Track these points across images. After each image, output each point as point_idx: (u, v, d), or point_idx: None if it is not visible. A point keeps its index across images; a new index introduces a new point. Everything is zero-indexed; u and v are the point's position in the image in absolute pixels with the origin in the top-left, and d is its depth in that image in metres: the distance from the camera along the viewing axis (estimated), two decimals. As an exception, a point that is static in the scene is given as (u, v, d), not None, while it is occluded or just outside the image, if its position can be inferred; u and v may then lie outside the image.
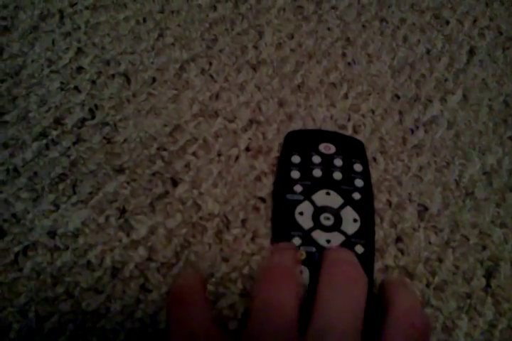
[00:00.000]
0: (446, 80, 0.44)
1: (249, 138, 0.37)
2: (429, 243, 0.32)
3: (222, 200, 0.32)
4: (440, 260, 0.32)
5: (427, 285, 0.30)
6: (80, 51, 0.40)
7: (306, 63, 0.43)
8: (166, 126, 0.36)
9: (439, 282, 0.31)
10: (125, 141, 0.34)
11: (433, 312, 0.29)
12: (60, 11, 0.43)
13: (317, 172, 0.32)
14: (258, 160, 0.35)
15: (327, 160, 0.33)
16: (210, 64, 0.42)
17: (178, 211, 0.31)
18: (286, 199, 0.30)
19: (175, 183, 0.33)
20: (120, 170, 0.32)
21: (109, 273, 0.28)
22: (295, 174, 0.32)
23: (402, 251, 0.32)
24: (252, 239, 0.31)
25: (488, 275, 0.32)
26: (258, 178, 0.34)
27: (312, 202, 0.30)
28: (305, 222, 0.29)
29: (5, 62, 0.38)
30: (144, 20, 0.44)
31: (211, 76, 0.41)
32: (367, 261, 0.28)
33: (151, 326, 0.27)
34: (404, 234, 0.33)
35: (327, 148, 0.34)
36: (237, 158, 0.35)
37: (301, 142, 0.34)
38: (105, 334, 0.26)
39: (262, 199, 0.33)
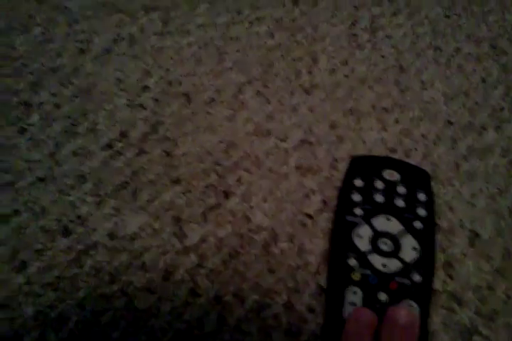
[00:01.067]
0: (501, 109, 0.43)
1: (300, 157, 0.38)
2: (480, 270, 0.32)
3: (271, 214, 0.33)
4: (491, 288, 0.31)
5: (476, 313, 0.30)
6: (146, 72, 0.43)
7: (358, 88, 0.44)
8: (221, 142, 0.38)
9: (490, 311, 0.30)
10: (183, 154, 0.36)
11: None
12: (131, 35, 0.47)
13: (379, 198, 0.32)
14: (307, 178, 0.36)
15: (390, 187, 0.33)
16: (266, 87, 0.44)
17: (228, 222, 0.32)
18: (346, 221, 0.31)
19: (227, 196, 0.34)
20: (177, 181, 0.34)
21: (161, 275, 0.30)
22: (357, 197, 0.32)
23: (450, 277, 0.31)
24: (298, 253, 0.31)
25: (543, 306, 0.30)
26: (306, 195, 0.35)
27: (371, 226, 0.30)
28: (363, 244, 0.30)
29: (79, 80, 0.41)
30: (206, 45, 0.46)
31: (266, 98, 0.43)
32: (423, 292, 0.28)
33: (197, 328, 0.28)
34: (454, 259, 0.32)
35: (391, 175, 0.34)
36: (286, 175, 0.36)
37: (365, 167, 0.34)
38: (154, 333, 0.27)
39: (309, 216, 0.34)
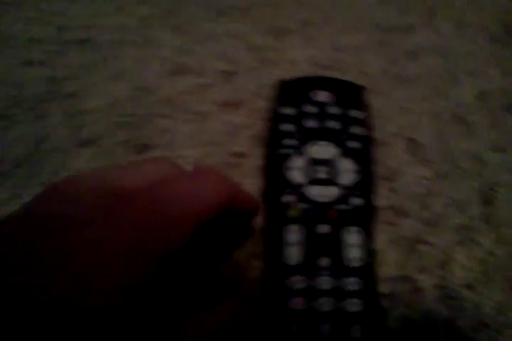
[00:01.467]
0: (434, 7, 0.40)
1: (222, 92, 0.35)
2: (421, 177, 0.31)
3: (200, 160, 0.31)
4: (433, 194, 0.30)
5: (420, 222, 0.29)
6: (36, 21, 0.38)
7: (279, 2, 0.40)
8: (132, 89, 0.34)
9: (433, 217, 0.29)
10: (91, 110, 0.33)
11: (428, 249, 0.28)
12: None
13: (311, 123, 0.29)
14: (233, 113, 0.34)
15: (322, 109, 0.30)
16: (175, 17, 0.39)
17: (153, 178, 0.30)
18: (277, 154, 0.28)
19: (148, 149, 0.31)
20: (88, 143, 0.31)
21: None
22: (287, 126, 0.29)
23: (392, 190, 0.30)
24: (234, 196, 0.30)
25: (485, 202, 0.30)
26: (235, 133, 0.33)
27: (305, 155, 0.28)
28: (297, 177, 0.27)
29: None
30: None
31: (177, 30, 0.39)
32: (365, 214, 0.27)
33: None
34: (394, 171, 0.31)
35: (322, 95, 0.30)
36: (211, 114, 0.33)
37: (293, 91, 0.31)
38: None
39: (241, 155, 0.32)
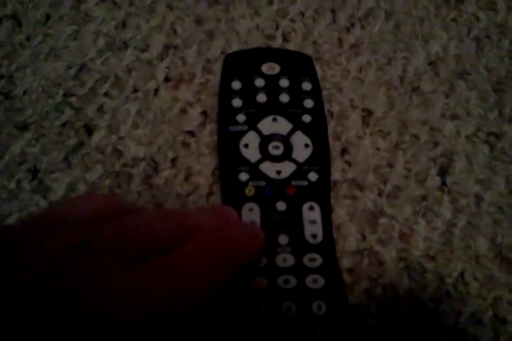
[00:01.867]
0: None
1: (167, 67, 0.33)
2: (377, 149, 0.30)
3: (146, 142, 0.29)
4: (390, 165, 0.30)
5: (379, 195, 0.29)
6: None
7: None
8: (69, 68, 0.32)
9: (392, 189, 0.29)
10: (25, 92, 0.30)
11: (388, 222, 0.28)
12: None
13: (261, 97, 0.28)
14: (180, 90, 0.32)
15: (271, 82, 0.29)
16: (111, -12, 0.36)
17: (97, 161, 0.28)
18: (229, 132, 0.27)
19: (90, 131, 0.29)
20: (25, 127, 0.29)
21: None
22: (237, 102, 0.28)
23: (349, 163, 0.30)
24: (186, 178, 0.28)
25: (443, 172, 0.30)
26: (183, 110, 0.31)
27: (258, 132, 0.27)
28: (251, 154, 0.26)
29: None
30: None
31: (113, 2, 0.36)
32: (322, 189, 0.26)
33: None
34: (350, 144, 0.30)
35: (271, 68, 0.29)
36: (156, 91, 0.31)
37: (240, 65, 0.29)
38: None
39: (191, 133, 0.30)
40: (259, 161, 0.26)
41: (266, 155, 0.26)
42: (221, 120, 0.28)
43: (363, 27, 0.36)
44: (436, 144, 0.31)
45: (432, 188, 0.29)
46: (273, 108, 0.28)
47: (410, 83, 0.33)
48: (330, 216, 0.26)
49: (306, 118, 0.28)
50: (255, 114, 0.28)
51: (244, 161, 0.26)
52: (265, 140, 0.27)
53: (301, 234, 0.25)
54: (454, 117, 0.32)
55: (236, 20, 0.36)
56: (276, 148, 0.27)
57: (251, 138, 0.27)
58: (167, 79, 0.32)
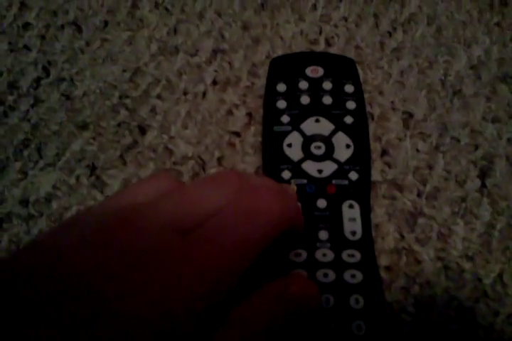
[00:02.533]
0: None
1: (215, 71, 0.34)
2: (417, 151, 0.31)
3: (195, 141, 0.31)
4: (430, 167, 0.30)
5: (418, 195, 0.29)
6: (23, 6, 0.38)
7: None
8: (124, 71, 0.34)
9: (431, 190, 0.30)
10: (84, 94, 0.33)
11: (427, 222, 0.28)
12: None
13: (305, 99, 0.29)
14: (227, 92, 0.33)
15: (315, 85, 0.30)
16: (162, -4, 0.38)
17: (150, 159, 0.30)
18: (274, 132, 0.29)
19: (143, 131, 0.31)
20: (84, 126, 0.31)
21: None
22: (281, 104, 0.29)
23: (389, 165, 0.30)
24: (231, 175, 0.30)
25: (483, 175, 0.30)
26: (229, 112, 0.33)
27: (301, 132, 0.28)
28: (294, 153, 0.28)
29: None
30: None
31: (166, 9, 0.38)
32: (362, 188, 0.27)
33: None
34: (390, 145, 0.31)
35: (314, 71, 0.31)
36: (204, 94, 0.33)
37: (285, 68, 0.31)
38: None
39: (237, 134, 0.32)
40: (302, 160, 0.28)
41: (308, 155, 0.28)
42: (266, 121, 0.30)
43: (404, 31, 0.36)
44: (476, 147, 0.31)
45: (471, 190, 0.30)
46: (316, 109, 0.29)
47: (452, 86, 0.33)
48: (369, 214, 0.27)
49: (348, 119, 0.29)
50: (299, 115, 0.29)
51: (287, 160, 0.28)
52: (308, 140, 0.28)
53: (340, 230, 0.26)
54: (495, 120, 0.32)
55: (281, 25, 0.37)
56: (318, 148, 0.28)
57: (294, 138, 0.28)
58: (215, 82, 0.34)
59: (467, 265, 0.27)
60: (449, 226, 0.28)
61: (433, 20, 0.36)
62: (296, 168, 0.27)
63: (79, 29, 0.37)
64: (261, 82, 0.34)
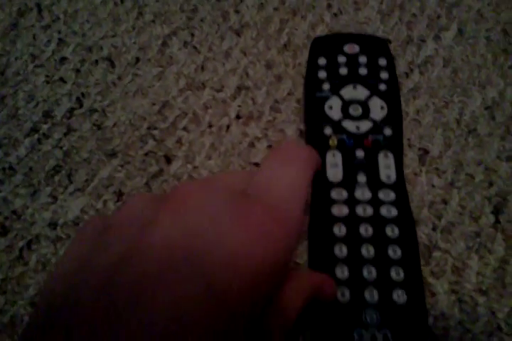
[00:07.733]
0: (438, 17, 0.42)
1: (239, 106, 0.36)
2: (433, 186, 0.32)
3: (217, 171, 0.32)
4: (445, 202, 0.31)
5: (433, 229, 0.30)
6: (61, 42, 0.41)
7: (290, 20, 0.42)
8: (154, 104, 0.36)
9: (446, 224, 0.30)
10: (115, 124, 0.35)
11: (442, 256, 0.29)
12: (38, 5, 0.43)
13: (343, 71, 0.33)
14: (250, 126, 0.35)
15: (352, 59, 0.34)
16: (192, 35, 0.41)
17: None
18: (316, 97, 0.32)
19: (168, 160, 0.33)
20: (113, 154, 0.33)
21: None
22: (322, 74, 0.33)
23: (404, 198, 0.31)
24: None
25: (497, 211, 0.31)
26: (251, 144, 0.34)
27: (340, 97, 0.32)
28: (335, 114, 0.31)
29: (-11, 65, 0.38)
30: (122, 0, 0.43)
31: (194, 47, 0.40)
32: (396, 141, 0.30)
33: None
34: (406, 180, 0.32)
35: (351, 48, 0.34)
36: (228, 127, 0.35)
37: (326, 45, 0.35)
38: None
39: (258, 165, 0.33)
40: (341, 119, 0.31)
41: (347, 115, 0.31)
42: (308, 88, 0.33)
43: (421, 73, 0.38)
44: (491, 184, 0.32)
45: (485, 225, 0.30)
46: (353, 78, 0.33)
47: (467, 126, 0.35)
48: (402, 161, 0.29)
49: (382, 86, 0.32)
50: (338, 84, 0.32)
51: (329, 119, 0.31)
52: (346, 103, 0.32)
53: (376, 175, 0.28)
54: (509, 159, 0.33)
55: (302, 65, 0.39)
56: (355, 110, 0.31)
57: (334, 102, 0.32)
58: (238, 117, 0.35)
59: (481, 299, 0.27)
60: (463, 260, 0.29)
61: (449, 63, 0.38)
62: (336, 126, 0.30)
63: (112, 64, 0.40)
64: (282, 117, 0.35)
